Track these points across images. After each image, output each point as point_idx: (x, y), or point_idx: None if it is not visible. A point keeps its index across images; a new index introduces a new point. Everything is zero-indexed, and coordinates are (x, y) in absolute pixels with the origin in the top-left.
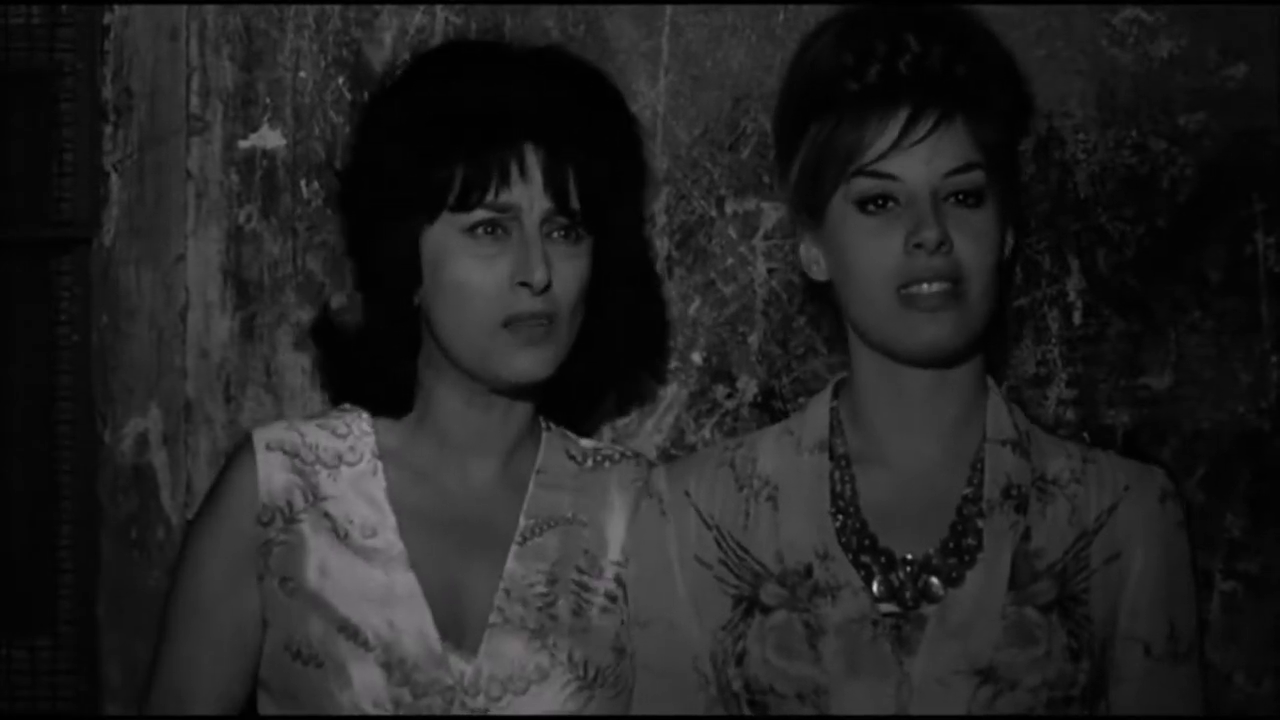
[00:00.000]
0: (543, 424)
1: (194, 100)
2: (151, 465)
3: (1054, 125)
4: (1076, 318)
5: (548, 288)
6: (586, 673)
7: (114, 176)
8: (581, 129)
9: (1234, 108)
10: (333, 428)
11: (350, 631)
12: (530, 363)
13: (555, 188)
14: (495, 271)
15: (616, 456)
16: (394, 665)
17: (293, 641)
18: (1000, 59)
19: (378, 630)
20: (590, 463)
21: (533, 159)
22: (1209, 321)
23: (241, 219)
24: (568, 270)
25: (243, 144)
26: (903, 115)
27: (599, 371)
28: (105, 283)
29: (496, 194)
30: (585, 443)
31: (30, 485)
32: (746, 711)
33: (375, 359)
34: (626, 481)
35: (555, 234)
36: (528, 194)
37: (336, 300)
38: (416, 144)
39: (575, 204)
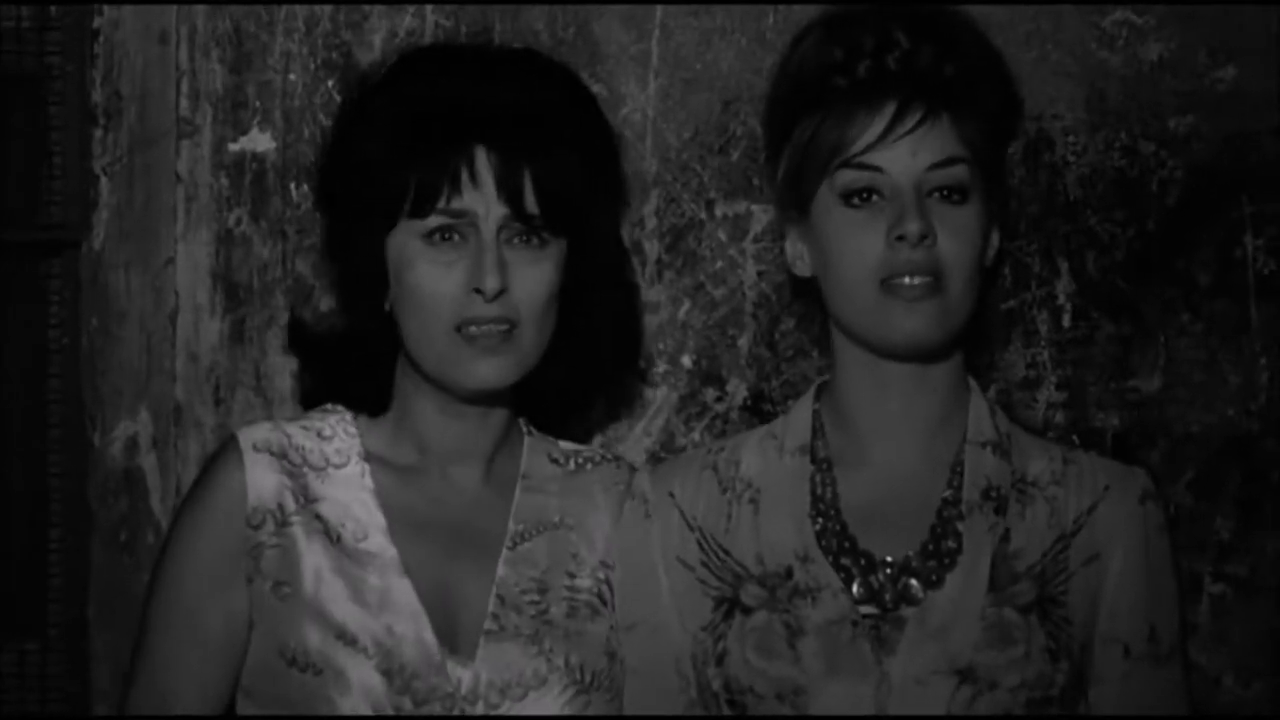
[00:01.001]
0: (524, 428)
1: (183, 103)
2: (141, 469)
3: (1043, 128)
4: (1066, 320)
5: (503, 293)
6: (583, 677)
7: (103, 180)
8: (539, 131)
9: (1223, 110)
10: (318, 429)
11: (349, 638)
12: (489, 371)
13: (509, 192)
14: (452, 278)
15: (597, 459)
16: (394, 672)
17: (287, 648)
18: (990, 60)
19: (376, 636)
20: (573, 465)
21: (484, 163)
22: (1198, 324)
23: (231, 222)
24: (529, 276)
25: (232, 147)
26: (889, 109)
27: (578, 376)
28: (95, 286)
29: (449, 200)
30: (565, 445)
31: (20, 488)
32: (726, 711)
33: (351, 362)
34: (609, 484)
35: (515, 239)
36: (482, 199)
37: (325, 304)
38: (375, 150)
39: (533, 208)
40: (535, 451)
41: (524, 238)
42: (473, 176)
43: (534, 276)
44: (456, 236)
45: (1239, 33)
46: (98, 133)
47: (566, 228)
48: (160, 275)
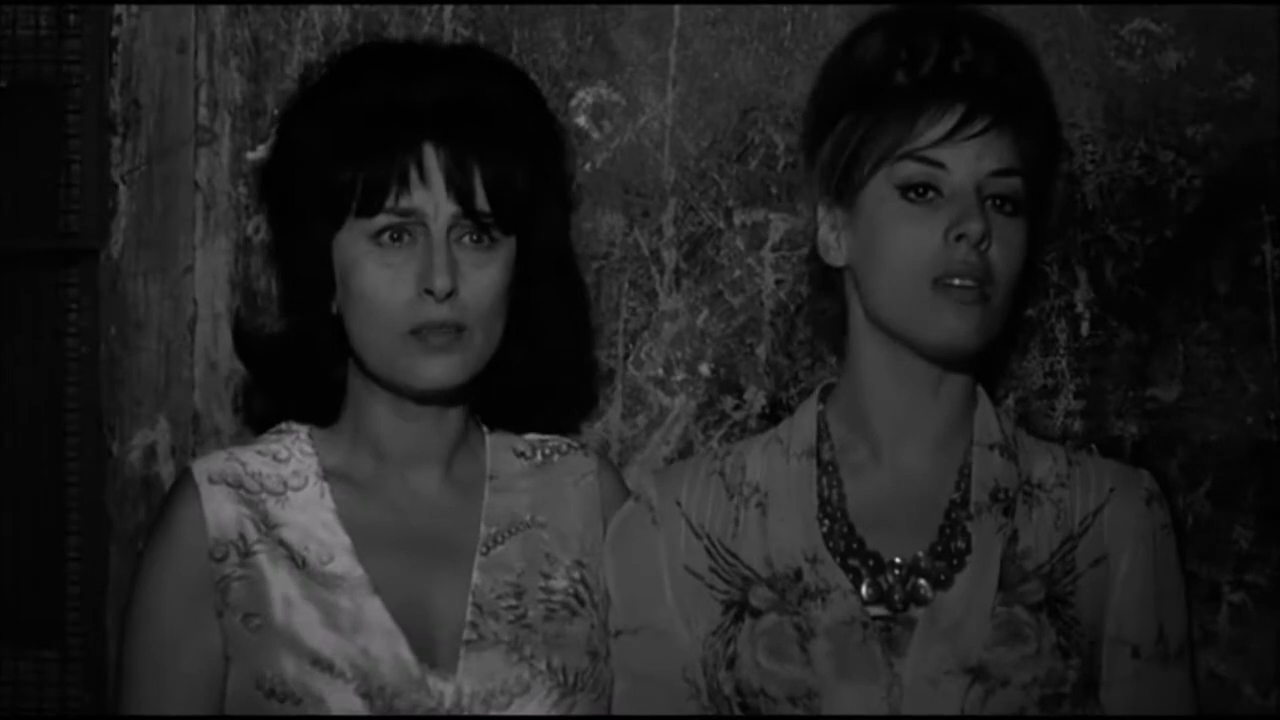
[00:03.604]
0: (483, 427)
1: (202, 112)
2: (160, 477)
3: (1062, 136)
4: (1084, 329)
5: (453, 294)
6: (566, 679)
7: (122, 188)
8: (488, 128)
9: (1242, 119)
10: (273, 453)
11: (325, 664)
12: (439, 370)
13: (459, 190)
14: (402, 280)
15: (564, 448)
16: (374, 694)
17: (264, 679)
18: (1043, 84)
19: (353, 659)
20: (539, 457)
21: (433, 161)
22: (1217, 333)
23: (249, 230)
24: (479, 278)
25: (251, 155)
26: (959, 110)
27: (528, 376)
28: (113, 294)
29: (397, 199)
30: (529, 436)
31: (38, 497)
32: (738, 713)
33: (299, 369)
34: (578, 475)
35: (465, 238)
36: (431, 198)
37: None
38: (321, 148)
39: (483, 206)
40: (498, 448)
41: (474, 237)
42: (422, 174)
43: (483, 278)
44: (405, 237)
45: (1257, 41)
46: (116, 141)
47: (516, 226)
48: (179, 283)
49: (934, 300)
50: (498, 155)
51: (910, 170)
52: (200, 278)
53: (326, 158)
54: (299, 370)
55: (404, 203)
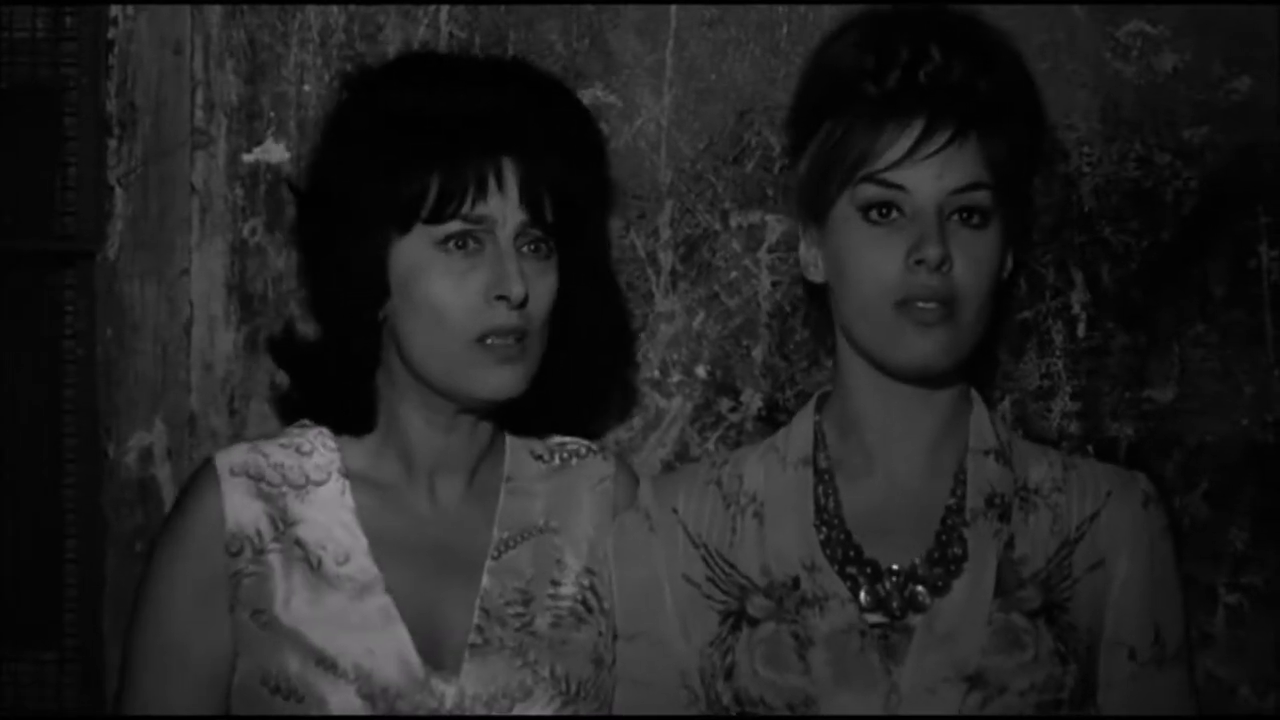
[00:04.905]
0: (504, 433)
1: (198, 114)
2: (156, 479)
3: (1058, 138)
4: (1081, 330)
5: (524, 302)
6: (568, 687)
7: (118, 190)
8: (555, 141)
9: (1238, 121)
10: (296, 445)
11: (328, 663)
12: (505, 380)
13: (530, 200)
14: (469, 287)
15: (582, 451)
16: (375, 696)
17: (269, 675)
18: (1022, 81)
19: (356, 659)
20: (557, 460)
21: (509, 170)
22: (1213, 334)
23: (246, 233)
24: (541, 285)
25: (247, 158)
26: (917, 126)
27: (566, 383)
28: (109, 297)
29: (473, 205)
30: (550, 439)
31: (35, 499)
32: None
33: (337, 377)
34: (594, 480)
35: (527, 248)
36: (503, 206)
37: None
38: (389, 154)
39: (550, 216)
40: (517, 450)
41: (534, 246)
42: (500, 183)
43: (545, 286)
44: (471, 243)
45: (1254, 43)
46: (112, 143)
47: (574, 236)
48: (175, 286)
49: (897, 322)
50: (562, 166)
51: (870, 193)
52: (196, 280)
53: (396, 164)
54: (339, 380)
55: (479, 209)
